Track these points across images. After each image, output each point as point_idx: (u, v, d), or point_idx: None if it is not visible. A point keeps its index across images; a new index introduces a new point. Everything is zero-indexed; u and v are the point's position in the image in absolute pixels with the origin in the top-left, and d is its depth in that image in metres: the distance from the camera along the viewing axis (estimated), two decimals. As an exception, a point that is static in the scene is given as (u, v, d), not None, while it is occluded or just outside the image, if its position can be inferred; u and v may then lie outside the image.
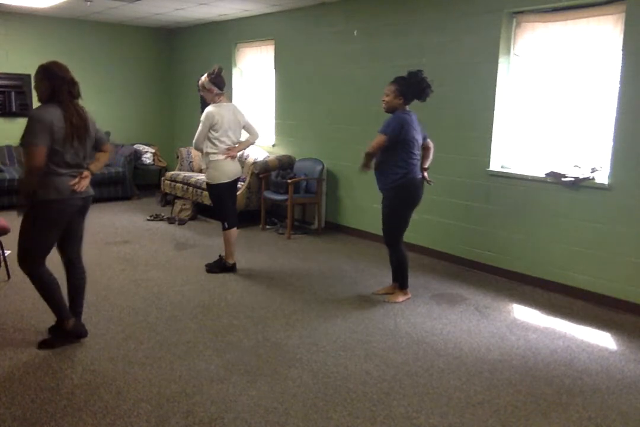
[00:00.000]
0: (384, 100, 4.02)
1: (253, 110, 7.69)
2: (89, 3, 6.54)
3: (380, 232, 4.22)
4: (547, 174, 4.52)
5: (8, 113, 7.76)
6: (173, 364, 3.16)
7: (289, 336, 3.59)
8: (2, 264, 4.57)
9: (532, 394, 2.96)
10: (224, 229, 4.73)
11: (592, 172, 4.31)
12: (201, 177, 6.64)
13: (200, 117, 4.64)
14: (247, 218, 6.67)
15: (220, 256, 4.89)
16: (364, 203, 6.03)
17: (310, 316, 3.93)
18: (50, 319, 3.50)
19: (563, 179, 4.40)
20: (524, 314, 4.12)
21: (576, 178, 4.33)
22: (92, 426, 2.56)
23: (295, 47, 6.70)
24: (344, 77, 6.13)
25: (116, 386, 2.91)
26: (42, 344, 3.33)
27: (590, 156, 4.41)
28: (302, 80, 6.69)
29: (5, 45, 7.64)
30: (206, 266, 4.86)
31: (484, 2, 4.79)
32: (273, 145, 7.20)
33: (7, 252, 4.70)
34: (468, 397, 2.90)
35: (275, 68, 7.03)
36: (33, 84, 3.15)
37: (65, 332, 3.33)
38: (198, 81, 4.73)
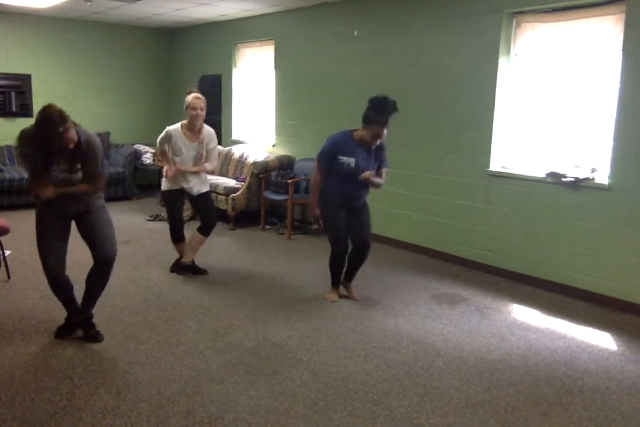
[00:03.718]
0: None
1: (253, 110, 7.71)
2: (89, 3, 6.54)
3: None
4: (547, 174, 4.52)
5: (8, 113, 7.76)
6: (173, 364, 3.16)
7: (289, 336, 3.59)
8: (2, 264, 4.57)
9: (533, 394, 2.95)
10: None
11: (592, 172, 4.31)
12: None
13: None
14: (247, 218, 6.68)
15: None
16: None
17: (311, 316, 3.92)
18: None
19: (563, 179, 4.40)
20: (524, 314, 4.12)
21: (576, 178, 4.33)
22: (92, 426, 2.56)
23: (296, 47, 6.69)
24: (344, 77, 6.13)
25: (116, 386, 2.91)
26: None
27: (590, 156, 4.40)
28: (302, 80, 6.69)
29: (6, 46, 7.64)
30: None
31: (484, 2, 4.79)
32: (273, 146, 7.20)
33: (7, 252, 4.69)
34: (468, 397, 2.90)
35: (275, 68, 7.03)
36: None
37: None
38: (192, 98, 4.43)
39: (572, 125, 4.52)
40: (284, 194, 6.21)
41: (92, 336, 3.45)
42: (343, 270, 4.27)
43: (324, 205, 4.13)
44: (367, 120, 3.91)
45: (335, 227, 4.10)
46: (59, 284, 3.36)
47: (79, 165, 3.15)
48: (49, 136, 2.90)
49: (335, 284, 4.32)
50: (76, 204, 3.27)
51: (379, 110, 3.83)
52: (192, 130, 4.51)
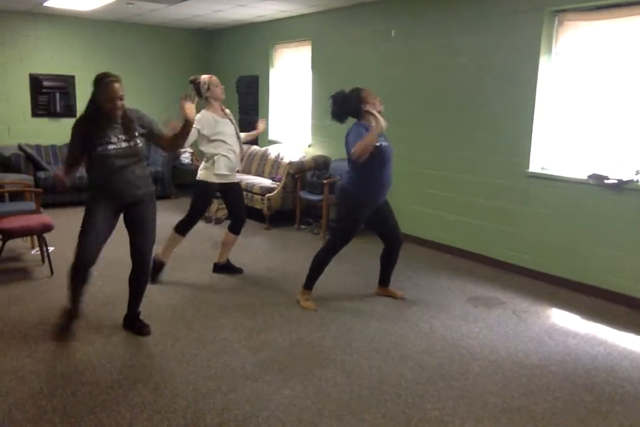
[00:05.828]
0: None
1: (289, 110, 7.74)
2: (130, 5, 6.68)
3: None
4: (590, 176, 4.41)
5: (53, 113, 7.99)
6: (209, 361, 3.20)
7: (323, 336, 3.60)
8: (46, 260, 4.71)
9: (571, 401, 2.89)
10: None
11: (636, 174, 4.19)
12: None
13: (236, 118, 4.61)
14: (282, 218, 6.72)
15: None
16: (401, 204, 5.98)
17: (345, 317, 3.92)
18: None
19: (606, 181, 4.29)
20: (563, 319, 4.03)
21: (620, 180, 4.22)
22: (130, 420, 2.62)
23: (332, 48, 6.70)
24: (381, 77, 6.10)
25: (154, 382, 2.97)
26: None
27: (634, 158, 4.28)
28: (339, 80, 6.67)
29: (51, 48, 7.87)
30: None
31: (524, 0, 4.70)
32: (309, 146, 7.22)
33: (50, 249, 4.84)
34: (504, 402, 2.86)
35: (311, 68, 7.05)
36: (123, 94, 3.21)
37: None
38: (201, 80, 4.40)
39: (616, 125, 4.40)
40: (320, 194, 6.23)
41: (140, 329, 3.55)
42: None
43: (354, 208, 3.98)
44: (359, 109, 4.04)
45: (355, 226, 4.01)
46: (84, 276, 3.32)
47: (136, 133, 3.32)
48: (110, 86, 3.11)
49: (311, 286, 4.13)
50: (135, 189, 3.33)
51: (348, 98, 4.16)
52: (218, 109, 4.46)
